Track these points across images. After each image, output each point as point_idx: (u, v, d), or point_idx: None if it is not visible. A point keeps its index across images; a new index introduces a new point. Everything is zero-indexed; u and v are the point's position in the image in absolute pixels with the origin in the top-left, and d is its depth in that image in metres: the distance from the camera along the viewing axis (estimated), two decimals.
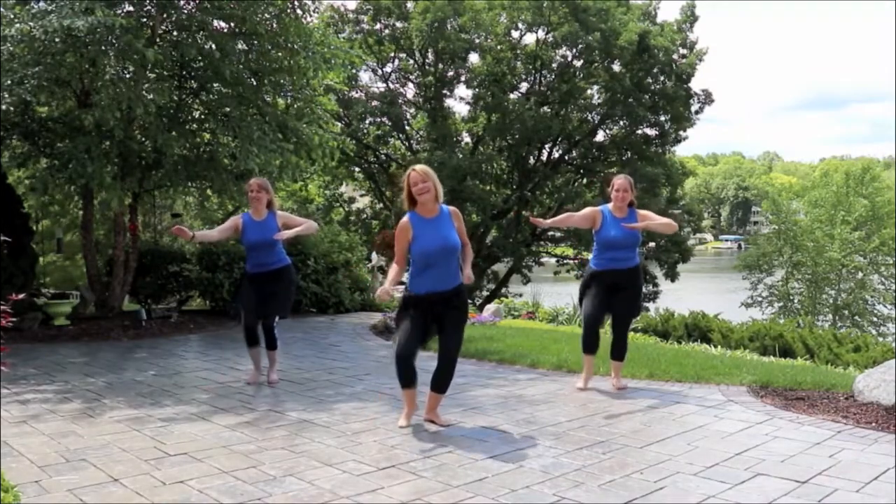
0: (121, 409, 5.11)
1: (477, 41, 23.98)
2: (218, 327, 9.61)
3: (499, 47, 24.37)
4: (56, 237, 13.79)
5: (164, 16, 9.21)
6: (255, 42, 9.34)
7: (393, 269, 4.54)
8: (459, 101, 27.27)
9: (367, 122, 24.89)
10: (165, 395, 5.59)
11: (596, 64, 24.21)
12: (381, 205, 26.72)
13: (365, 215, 27.11)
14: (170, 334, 9.06)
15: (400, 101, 25.16)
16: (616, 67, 24.06)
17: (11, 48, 8.04)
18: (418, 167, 4.42)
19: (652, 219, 5.62)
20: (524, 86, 25.45)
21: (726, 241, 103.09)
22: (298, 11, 9.43)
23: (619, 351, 5.65)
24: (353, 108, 23.20)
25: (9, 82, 7.87)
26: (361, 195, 27.95)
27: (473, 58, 24.66)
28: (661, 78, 24.18)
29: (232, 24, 9.34)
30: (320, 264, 11.27)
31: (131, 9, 9.04)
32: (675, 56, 24.10)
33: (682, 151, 50.80)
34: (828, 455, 3.85)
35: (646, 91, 23.95)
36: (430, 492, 3.38)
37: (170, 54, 8.90)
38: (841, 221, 29.32)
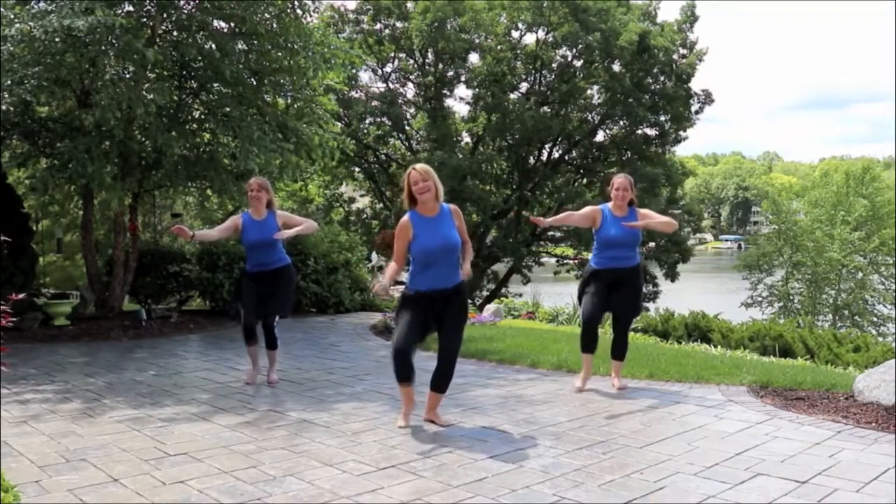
0: (121, 409, 5.11)
1: (477, 41, 23.99)
2: (218, 327, 9.61)
3: (499, 47, 24.36)
4: (56, 237, 13.79)
5: (164, 16, 9.22)
6: (255, 42, 9.33)
7: (391, 267, 4.52)
8: (459, 101, 27.32)
9: (367, 122, 24.90)
10: (165, 395, 5.59)
11: (596, 64, 24.21)
12: (381, 205, 26.72)
13: (365, 215, 27.12)
14: (170, 334, 9.06)
15: (400, 101, 25.17)
16: (616, 67, 24.06)
17: (11, 48, 8.04)
18: (419, 166, 4.41)
19: (652, 217, 5.62)
20: (524, 86, 25.46)
21: (726, 241, 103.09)
22: (298, 11, 9.43)
23: (619, 350, 5.65)
24: (353, 108, 23.21)
25: (9, 82, 7.86)
26: (361, 195, 27.95)
27: (473, 58, 24.68)
28: (661, 78, 24.18)
29: (232, 24, 9.34)
30: (320, 264, 11.27)
31: (131, 9, 9.04)
32: (675, 56, 24.10)
33: (682, 151, 50.79)
34: (828, 455, 3.85)
35: (646, 91, 23.95)
36: (430, 492, 3.38)
37: (170, 54, 8.90)
38: (841, 221, 29.33)
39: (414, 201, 4.39)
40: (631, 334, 7.07)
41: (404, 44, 24.35)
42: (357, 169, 26.26)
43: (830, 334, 12.66)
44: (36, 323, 9.30)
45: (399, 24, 24.20)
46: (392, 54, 25.25)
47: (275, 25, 9.32)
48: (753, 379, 5.76)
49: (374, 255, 14.86)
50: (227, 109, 9.29)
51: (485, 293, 25.11)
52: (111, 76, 9.03)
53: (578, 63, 24.73)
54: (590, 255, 5.79)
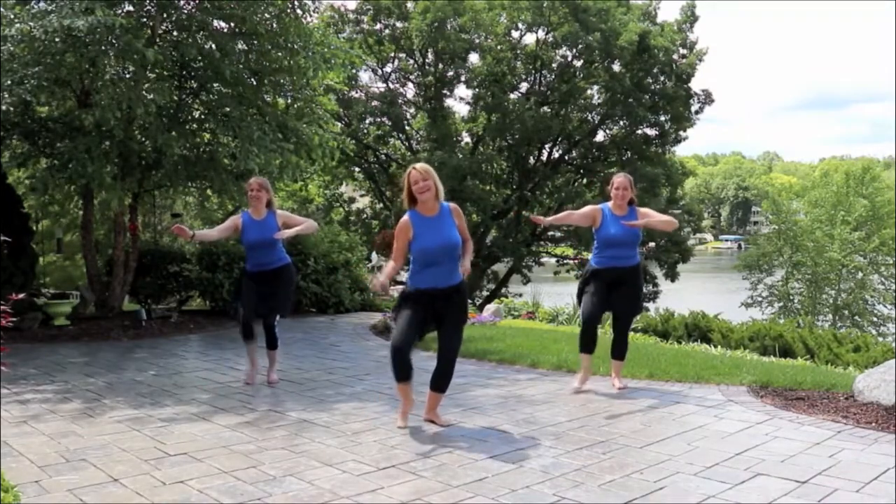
0: (121, 409, 5.11)
1: (477, 41, 23.99)
2: (218, 327, 9.61)
3: (499, 47, 24.37)
4: (56, 237, 13.79)
5: (164, 16, 9.22)
6: (255, 42, 9.33)
7: (390, 265, 4.51)
8: (459, 101, 27.33)
9: (367, 122, 24.90)
10: (165, 395, 5.59)
11: (596, 64, 24.21)
12: (381, 205, 26.72)
13: (365, 215, 27.12)
14: (170, 334, 9.06)
15: (400, 101, 25.18)
16: (616, 67, 24.06)
17: (11, 48, 8.04)
18: (419, 165, 4.40)
19: (652, 216, 5.62)
20: (524, 86, 25.47)
21: (726, 241, 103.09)
22: (298, 11, 9.43)
23: (619, 350, 5.65)
24: (353, 108, 23.21)
25: (9, 82, 7.86)
26: (361, 195, 27.95)
27: (473, 58, 24.69)
28: (661, 78, 24.19)
29: (232, 24, 9.34)
30: (320, 264, 11.27)
31: (131, 9, 9.04)
32: (675, 56, 24.11)
33: (682, 151, 50.81)
34: (828, 455, 3.85)
35: (646, 91, 23.96)
36: (430, 492, 3.38)
37: (170, 54, 8.90)
38: (841, 221, 29.33)
39: (413, 201, 4.38)
40: (631, 334, 7.07)
41: (404, 44, 24.35)
42: (357, 169, 26.26)
43: (830, 334, 12.65)
44: (36, 323, 9.30)
45: (399, 24, 24.21)
46: (392, 54, 25.25)
47: (275, 25, 9.32)
48: (753, 379, 5.76)
49: (374, 255, 14.86)
50: (227, 109, 9.29)
51: (485, 293, 25.11)
52: (111, 76, 9.03)
53: (578, 63, 24.74)
54: (590, 255, 5.79)
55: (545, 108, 24.36)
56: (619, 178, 5.50)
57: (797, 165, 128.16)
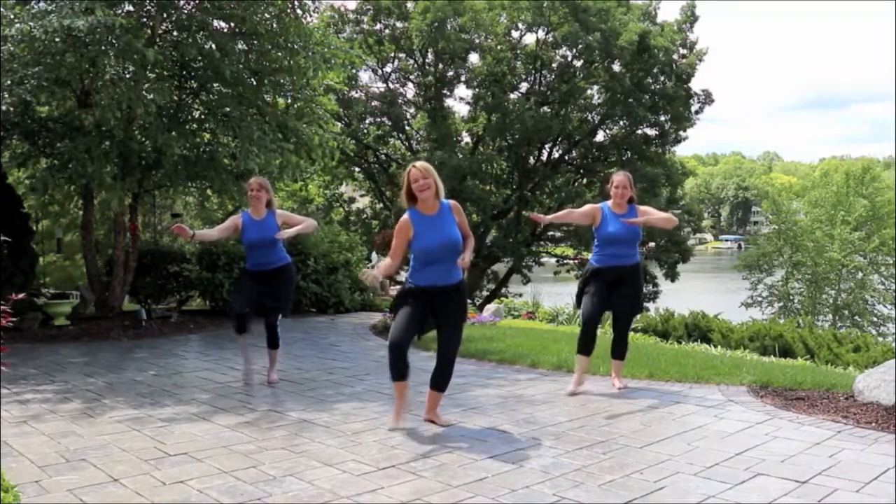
0: (121, 409, 5.11)
1: (477, 41, 23.99)
2: (218, 327, 9.61)
3: (499, 47, 24.37)
4: (56, 237, 13.79)
5: (164, 16, 9.22)
6: (255, 42, 9.34)
7: (386, 261, 4.48)
8: (459, 101, 27.34)
9: (367, 122, 24.91)
10: (165, 395, 5.59)
11: (596, 64, 24.21)
12: (381, 205, 26.72)
13: (365, 215, 27.12)
14: (170, 334, 9.06)
15: (400, 101, 25.18)
16: (616, 67, 24.06)
17: (11, 48, 8.04)
18: (419, 164, 4.38)
19: (651, 214, 5.62)
20: (524, 86, 25.47)
21: (726, 241, 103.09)
22: (298, 11, 9.43)
23: (619, 350, 5.64)
24: (353, 108, 23.21)
25: (9, 82, 7.86)
26: (361, 195, 27.95)
27: (473, 58, 24.69)
28: (661, 78, 24.19)
29: (232, 24, 9.34)
30: (320, 264, 11.27)
31: (131, 9, 9.04)
32: (675, 56, 24.10)
33: (682, 151, 50.73)
34: (828, 455, 3.85)
35: (646, 91, 23.96)
36: (430, 492, 3.38)
37: (170, 54, 8.90)
38: (841, 221, 29.33)
39: (413, 199, 4.36)
40: (631, 334, 7.07)
41: (404, 44, 24.35)
42: (357, 169, 26.26)
43: (830, 334, 12.65)
44: (36, 323, 9.30)
45: (399, 24, 24.20)
46: (392, 54, 25.25)
47: (275, 25, 9.32)
48: (753, 379, 5.76)
49: (374, 255, 14.86)
50: (227, 109, 9.30)
51: (485, 293, 25.11)
52: (111, 76, 9.03)
53: (578, 63, 24.74)
54: (590, 255, 5.78)
55: (545, 108, 24.36)
56: (619, 177, 5.50)
57: (797, 165, 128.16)
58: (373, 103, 24.22)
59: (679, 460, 3.82)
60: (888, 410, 4.68)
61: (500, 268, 27.34)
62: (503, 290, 26.01)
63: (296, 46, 9.23)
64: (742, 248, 70.39)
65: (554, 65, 24.84)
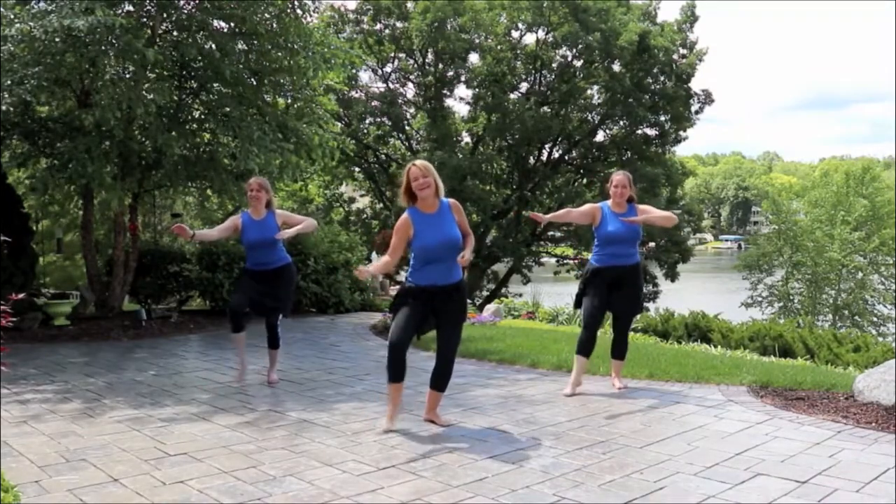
0: (121, 409, 5.11)
1: (477, 41, 23.98)
2: (218, 327, 9.61)
3: (499, 47, 24.36)
4: (56, 237, 13.79)
5: (164, 16, 9.22)
6: (255, 42, 9.34)
7: (384, 259, 4.48)
8: (459, 101, 27.31)
9: (367, 122, 24.89)
10: (165, 395, 5.59)
11: (596, 64, 24.20)
12: (381, 205, 26.71)
13: (365, 215, 27.10)
14: (170, 334, 9.07)
15: (400, 101, 25.16)
16: (616, 67, 24.05)
17: (11, 48, 8.04)
18: (418, 162, 4.36)
19: (651, 212, 5.61)
20: (524, 86, 25.44)
21: (726, 241, 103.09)
22: (298, 11, 9.43)
23: (619, 350, 5.64)
24: (353, 108, 23.21)
25: (9, 82, 7.87)
26: (361, 195, 27.94)
27: (473, 58, 24.67)
28: (661, 78, 24.17)
29: (232, 24, 9.34)
30: (320, 264, 11.27)
31: (131, 9, 9.04)
32: (675, 56, 24.09)
33: (682, 151, 50.74)
34: (828, 455, 3.85)
35: (646, 91, 23.94)
36: (430, 492, 3.38)
37: (170, 54, 8.90)
38: (841, 221, 29.33)
39: (412, 198, 4.34)
40: (631, 334, 7.07)
41: (404, 44, 24.34)
42: (357, 169, 26.25)
43: (830, 334, 12.65)
44: (36, 323, 9.30)
45: (399, 24, 24.19)
46: (392, 54, 25.24)
47: (275, 25, 9.32)
48: (753, 379, 5.76)
49: (374, 256, 14.87)
50: (227, 109, 9.30)
51: (485, 293, 25.10)
52: (111, 76, 9.03)
53: (578, 63, 24.73)
54: (590, 255, 5.78)
55: (545, 108, 24.34)
56: (618, 176, 5.50)
57: (797, 165, 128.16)
58: (373, 103, 24.21)
59: (679, 460, 3.82)
60: (888, 410, 4.68)
61: (500, 268, 27.34)
62: (503, 290, 26.01)
63: (296, 46, 9.23)
64: (742, 248, 70.39)
65: (554, 65, 24.83)
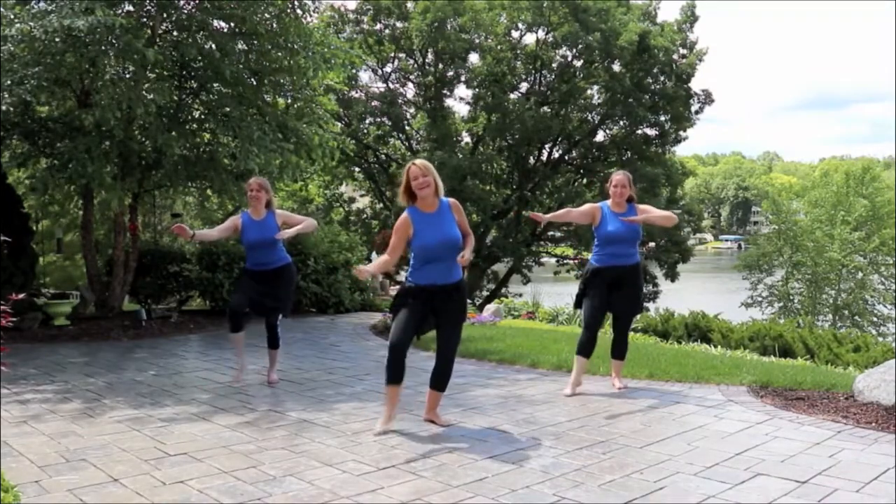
0: (121, 409, 5.11)
1: (477, 41, 23.98)
2: (218, 327, 9.60)
3: (499, 47, 24.36)
4: (56, 237, 13.79)
5: (164, 16, 9.22)
6: (255, 42, 9.34)
7: (383, 258, 4.47)
8: (459, 101, 27.31)
9: (367, 122, 24.89)
10: (165, 395, 5.59)
11: (596, 64, 24.20)
12: (381, 205, 26.71)
13: (365, 215, 27.11)
14: (170, 334, 9.06)
15: (400, 101, 25.17)
16: (616, 67, 24.05)
17: (11, 48, 8.04)
18: (418, 161, 4.36)
19: (651, 212, 5.61)
20: (524, 86, 25.44)
21: (726, 241, 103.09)
22: (298, 11, 9.43)
23: (619, 350, 5.64)
24: (353, 108, 23.21)
25: (9, 82, 7.87)
26: (361, 195, 27.94)
27: (473, 58, 24.67)
28: (661, 78, 24.17)
29: (232, 24, 9.34)
30: (320, 264, 11.27)
31: (131, 9, 9.04)
32: (675, 56, 24.09)
33: (682, 151, 50.76)
34: (828, 455, 3.85)
35: (646, 91, 23.94)
36: (430, 492, 3.38)
37: (170, 54, 8.90)
38: (841, 221, 29.33)
39: (411, 197, 4.34)
40: (631, 334, 7.07)
41: (404, 44, 24.34)
42: (357, 169, 26.25)
43: (830, 334, 12.66)
44: (36, 323, 9.30)
45: (399, 24, 24.20)
46: (392, 54, 25.24)
47: (275, 25, 9.32)
48: (753, 379, 5.76)
49: (374, 256, 14.86)
50: (227, 109, 9.30)
51: (485, 293, 25.10)
52: (111, 76, 9.03)
53: (578, 63, 24.73)
54: (589, 255, 5.78)
55: (545, 108, 24.35)
56: (618, 176, 5.51)
57: (797, 165, 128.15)
58: (373, 103, 24.22)
59: (679, 460, 3.82)
60: (888, 410, 4.68)
61: (500, 268, 27.34)
62: (503, 290, 26.01)
63: (296, 46, 9.23)
64: (742, 248, 70.39)
65: (554, 65, 24.83)
